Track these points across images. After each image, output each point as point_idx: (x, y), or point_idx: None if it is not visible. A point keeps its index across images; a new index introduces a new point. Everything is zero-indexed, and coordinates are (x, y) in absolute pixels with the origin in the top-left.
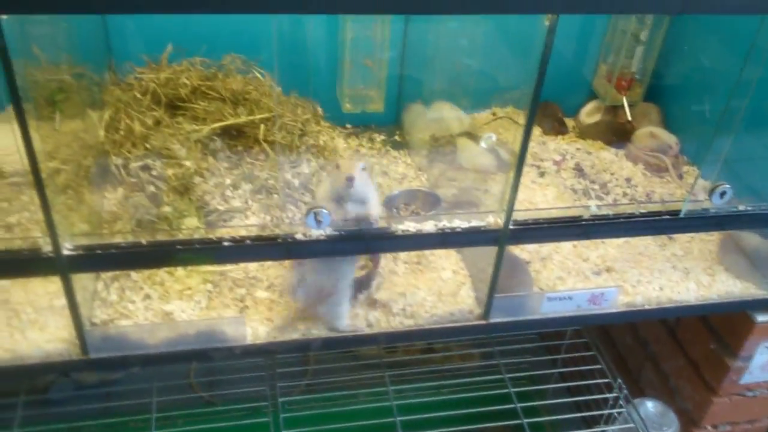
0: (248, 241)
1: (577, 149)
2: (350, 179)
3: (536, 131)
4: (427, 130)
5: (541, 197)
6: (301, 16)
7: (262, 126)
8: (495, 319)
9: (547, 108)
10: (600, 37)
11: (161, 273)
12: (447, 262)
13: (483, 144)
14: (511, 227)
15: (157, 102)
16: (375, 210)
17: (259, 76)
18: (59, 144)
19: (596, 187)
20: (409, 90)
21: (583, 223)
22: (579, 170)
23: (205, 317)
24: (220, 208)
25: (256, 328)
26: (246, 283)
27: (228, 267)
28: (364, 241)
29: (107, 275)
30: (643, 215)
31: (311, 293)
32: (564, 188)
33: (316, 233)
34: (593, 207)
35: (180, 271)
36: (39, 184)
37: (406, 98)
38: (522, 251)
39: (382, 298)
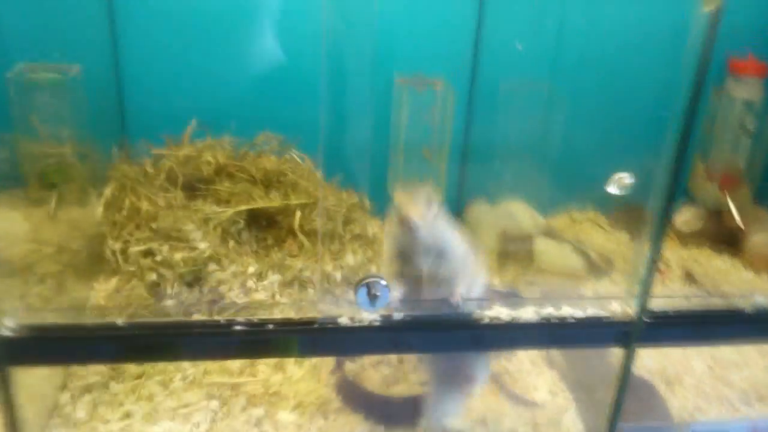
0: (270, 326)
1: (682, 258)
2: (406, 223)
3: (623, 237)
4: (496, 229)
5: None
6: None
7: (298, 212)
8: None
9: (632, 212)
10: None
11: (151, 384)
12: (539, 379)
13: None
14: (646, 320)
15: (172, 182)
16: (461, 268)
17: (297, 158)
18: (46, 226)
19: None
20: (472, 184)
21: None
22: (691, 279)
23: None
24: (238, 301)
25: None
26: (265, 401)
27: (242, 378)
28: (433, 332)
29: (77, 384)
30: None
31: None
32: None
33: (369, 317)
34: (759, 298)
35: (177, 382)
36: None
37: (469, 193)
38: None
39: (454, 428)
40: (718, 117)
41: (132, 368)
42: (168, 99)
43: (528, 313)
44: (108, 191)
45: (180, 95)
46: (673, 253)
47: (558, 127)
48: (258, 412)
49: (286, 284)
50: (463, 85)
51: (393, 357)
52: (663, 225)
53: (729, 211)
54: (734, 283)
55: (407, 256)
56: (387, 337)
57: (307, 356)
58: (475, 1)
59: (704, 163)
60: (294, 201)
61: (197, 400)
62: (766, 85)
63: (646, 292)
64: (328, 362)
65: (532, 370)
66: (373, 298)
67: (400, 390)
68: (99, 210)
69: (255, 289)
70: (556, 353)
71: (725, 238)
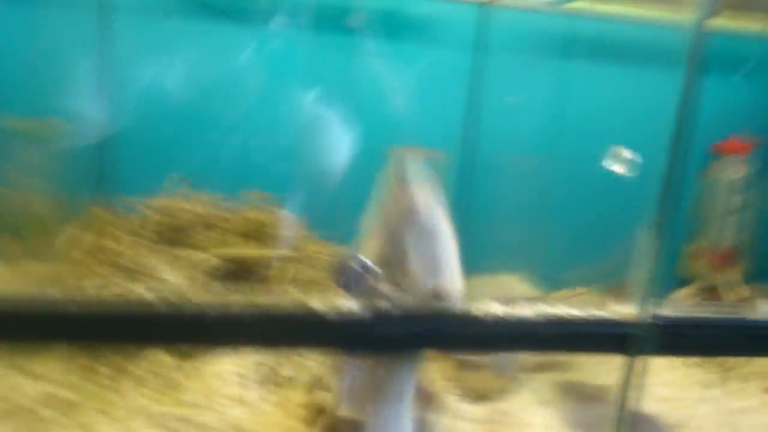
0: (237, 313)
1: None
2: (413, 208)
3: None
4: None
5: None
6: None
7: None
8: None
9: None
10: (682, 216)
11: (89, 411)
12: (533, 416)
13: None
14: (649, 322)
15: (145, 229)
16: (449, 267)
17: (279, 213)
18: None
19: (714, 366)
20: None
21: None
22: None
23: None
24: None
25: None
26: None
27: (194, 409)
28: (423, 326)
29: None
30: None
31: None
32: (683, 365)
33: (347, 305)
34: (763, 307)
35: (121, 405)
36: None
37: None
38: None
39: None
40: (705, 199)
41: (68, 395)
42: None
43: (524, 311)
44: (73, 230)
45: (168, 157)
46: None
47: (555, 201)
48: None
49: None
50: (459, 158)
51: None
52: (663, 227)
53: (722, 286)
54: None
55: (399, 250)
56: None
57: (279, 346)
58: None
59: (696, 244)
60: (270, 251)
61: (140, 429)
62: (751, 162)
63: (648, 297)
64: (297, 395)
65: (526, 410)
66: (357, 278)
67: None
68: (61, 245)
69: None
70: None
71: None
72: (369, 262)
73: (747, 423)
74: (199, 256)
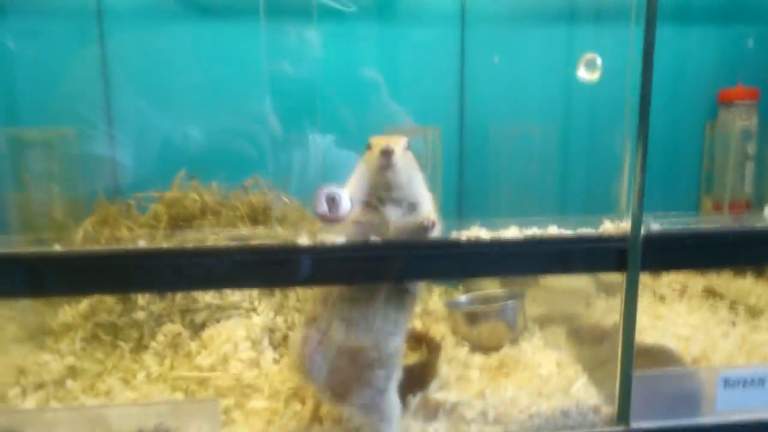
0: (223, 255)
1: (700, 282)
2: (387, 153)
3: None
4: None
5: (673, 313)
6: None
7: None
8: (640, 423)
9: None
10: (695, 168)
11: (111, 380)
12: (543, 356)
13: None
14: (644, 234)
15: (158, 220)
16: (428, 206)
17: (285, 199)
18: None
19: (742, 308)
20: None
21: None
22: (712, 293)
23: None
24: (215, 302)
25: None
26: (236, 393)
27: (212, 372)
28: (410, 255)
29: (29, 381)
30: None
31: (334, 372)
32: (700, 308)
33: (330, 239)
34: None
35: (141, 376)
36: None
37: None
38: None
39: (447, 401)
40: (716, 149)
41: (92, 367)
42: (161, 157)
43: (512, 233)
44: (88, 223)
45: (173, 153)
46: (690, 278)
47: (545, 167)
48: (227, 402)
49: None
50: (454, 131)
51: None
52: (645, 144)
53: None
54: (761, 296)
55: (375, 197)
56: (349, 264)
57: (262, 285)
58: (458, 56)
59: (710, 197)
60: (281, 232)
61: (159, 393)
62: (759, 110)
63: (640, 212)
64: None
65: (537, 352)
66: (332, 203)
67: None
68: (77, 239)
69: (230, 293)
70: (557, 336)
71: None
72: (347, 193)
73: None
74: (208, 239)
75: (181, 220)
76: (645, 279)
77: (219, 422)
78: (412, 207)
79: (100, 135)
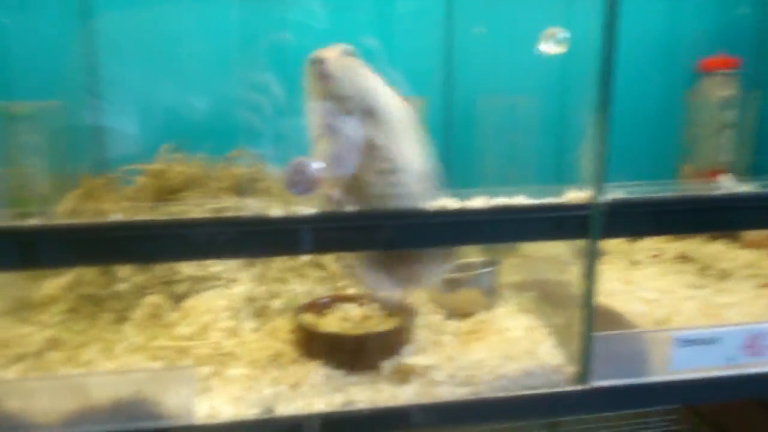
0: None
1: (675, 247)
2: (316, 61)
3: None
4: None
5: (644, 278)
6: None
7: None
8: (599, 382)
9: None
10: (675, 138)
11: (91, 351)
12: (513, 321)
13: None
14: (603, 202)
15: (143, 193)
16: (395, 127)
17: (270, 171)
18: None
19: (712, 272)
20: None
21: (719, 205)
22: (684, 258)
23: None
24: (196, 274)
25: (217, 408)
26: (215, 361)
27: (191, 341)
28: (374, 226)
29: (7, 353)
30: None
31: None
32: (670, 273)
33: (294, 211)
34: (726, 181)
35: (122, 346)
36: None
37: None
38: (628, 316)
39: (418, 364)
40: (696, 118)
41: (74, 339)
42: (148, 130)
43: (477, 203)
44: (72, 197)
45: (160, 125)
46: (666, 243)
47: (531, 137)
48: (205, 369)
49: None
50: (441, 102)
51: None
52: (606, 114)
53: None
54: (732, 261)
55: (330, 117)
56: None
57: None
58: (443, 27)
59: (691, 165)
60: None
61: (139, 363)
62: (740, 78)
63: (601, 181)
64: (286, 323)
65: (509, 317)
66: (299, 174)
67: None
68: (60, 213)
69: (211, 264)
70: (530, 302)
71: None
72: (314, 163)
73: (732, 313)
74: (192, 211)
75: (166, 192)
76: (622, 246)
77: (195, 389)
78: (368, 113)
79: (85, 108)
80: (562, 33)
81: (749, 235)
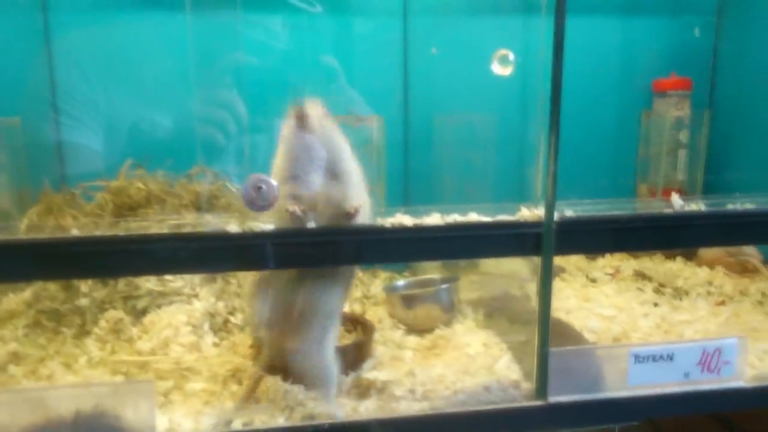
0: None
1: (632, 265)
2: (301, 116)
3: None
4: None
5: (601, 295)
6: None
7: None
8: (557, 398)
9: None
10: (631, 156)
11: (53, 365)
12: (472, 337)
13: None
14: (555, 223)
15: (103, 209)
16: (355, 186)
17: (230, 187)
18: None
19: (668, 290)
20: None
21: (669, 224)
22: (642, 276)
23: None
24: (156, 289)
25: (176, 422)
26: (176, 375)
27: (152, 356)
28: (333, 242)
29: None
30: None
31: (273, 334)
32: (627, 290)
33: (254, 227)
34: (677, 200)
35: (83, 360)
36: None
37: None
38: (585, 332)
39: (378, 379)
40: (651, 137)
41: (35, 353)
42: (109, 147)
43: (433, 219)
44: (33, 213)
45: (121, 143)
46: (623, 262)
47: (484, 155)
48: (166, 384)
49: (208, 278)
50: (398, 121)
51: None
52: (557, 133)
53: None
54: (689, 278)
55: (298, 167)
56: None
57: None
58: (401, 48)
59: (645, 184)
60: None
61: (100, 377)
62: (692, 99)
63: (553, 200)
64: (246, 338)
65: (468, 333)
66: (257, 190)
67: None
68: (22, 229)
69: (171, 279)
70: (487, 319)
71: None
72: (272, 180)
73: (689, 330)
74: (151, 227)
75: (126, 209)
76: (580, 263)
77: (154, 402)
78: (335, 176)
79: (46, 124)
80: (510, 55)
81: (706, 253)
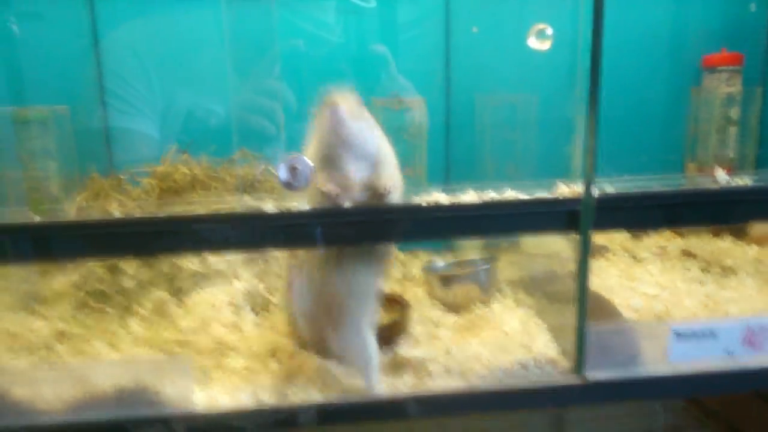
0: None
1: (679, 244)
2: (335, 110)
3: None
4: None
5: (646, 274)
6: None
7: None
8: (595, 375)
9: None
10: (680, 134)
11: (98, 343)
12: (509, 315)
13: None
14: (595, 197)
15: (149, 194)
16: (388, 169)
17: (273, 171)
18: None
19: (716, 269)
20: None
21: (710, 199)
22: (688, 254)
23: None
24: (200, 271)
25: (214, 397)
26: (216, 353)
27: (192, 335)
28: (366, 221)
29: (21, 344)
30: None
31: (311, 316)
32: (673, 270)
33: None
34: (722, 175)
35: (127, 339)
36: None
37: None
38: (628, 311)
39: (414, 357)
40: (700, 114)
41: (82, 332)
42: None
43: (469, 197)
44: (81, 198)
45: (167, 129)
46: (670, 241)
47: (528, 134)
48: (206, 362)
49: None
50: (440, 102)
51: None
52: (595, 108)
53: None
54: (737, 257)
55: (333, 156)
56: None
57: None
58: (443, 28)
59: (694, 162)
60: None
61: (143, 354)
62: (743, 75)
63: (592, 175)
64: (286, 317)
65: (506, 312)
66: (293, 170)
67: None
68: (71, 213)
69: (214, 262)
70: (528, 298)
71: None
72: (307, 159)
73: (735, 309)
74: (196, 210)
75: (171, 193)
76: (626, 243)
77: (192, 377)
78: (367, 161)
79: (94, 112)
80: (548, 29)
81: (756, 230)
